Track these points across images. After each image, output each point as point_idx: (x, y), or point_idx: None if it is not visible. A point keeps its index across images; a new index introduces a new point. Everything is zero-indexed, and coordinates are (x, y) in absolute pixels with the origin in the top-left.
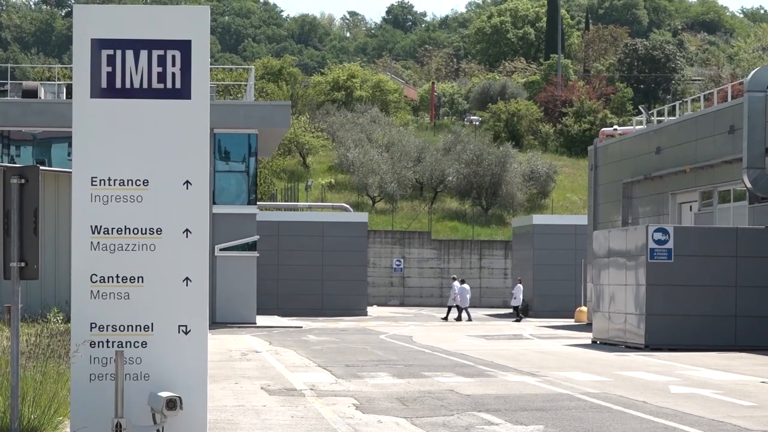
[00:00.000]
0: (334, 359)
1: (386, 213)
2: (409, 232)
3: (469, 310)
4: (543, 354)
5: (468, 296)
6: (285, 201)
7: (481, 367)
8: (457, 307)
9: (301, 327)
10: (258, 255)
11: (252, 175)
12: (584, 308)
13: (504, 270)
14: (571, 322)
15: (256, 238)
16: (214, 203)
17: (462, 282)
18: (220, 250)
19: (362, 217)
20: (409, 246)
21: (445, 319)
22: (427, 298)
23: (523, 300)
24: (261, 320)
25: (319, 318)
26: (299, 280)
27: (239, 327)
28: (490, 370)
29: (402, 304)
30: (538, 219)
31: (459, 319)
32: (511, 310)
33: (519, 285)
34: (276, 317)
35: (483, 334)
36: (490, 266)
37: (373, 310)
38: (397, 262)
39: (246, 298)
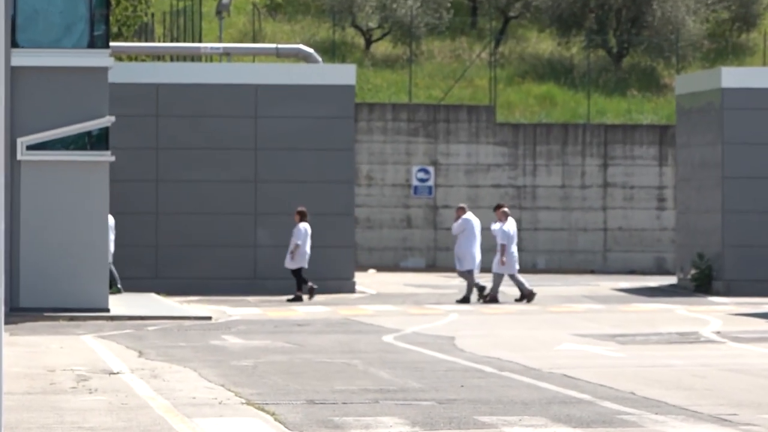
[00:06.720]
0: (283, 388)
1: (396, 65)
2: (446, 107)
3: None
4: (746, 375)
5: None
6: (172, 41)
7: (607, 404)
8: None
9: (210, 319)
10: (114, 159)
11: None
12: None
13: (657, 190)
14: None
15: (109, 121)
16: (14, 45)
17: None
18: (29, 148)
19: (344, 74)
20: (447, 139)
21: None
22: (490, 252)
23: (705, 258)
24: (121, 304)
25: (250, 298)
26: (206, 215)
27: (72, 318)
28: (629, 412)
29: (431, 268)
30: (732, 76)
31: (494, 299)
32: (675, 281)
33: None
34: (154, 297)
35: (612, 333)
36: (627, 183)
37: (367, 280)
38: (423, 175)
39: (87, 256)
